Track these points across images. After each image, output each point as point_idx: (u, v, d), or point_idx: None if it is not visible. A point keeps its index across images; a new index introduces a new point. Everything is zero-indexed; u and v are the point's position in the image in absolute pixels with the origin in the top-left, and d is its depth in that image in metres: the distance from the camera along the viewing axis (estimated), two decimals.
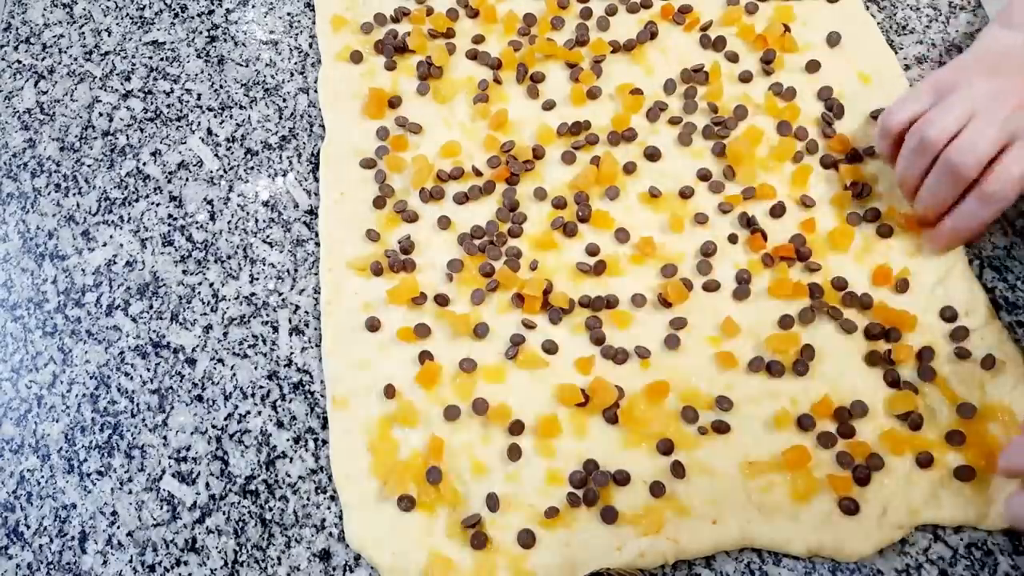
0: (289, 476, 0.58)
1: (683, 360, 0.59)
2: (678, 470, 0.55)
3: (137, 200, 0.67)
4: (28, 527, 0.57)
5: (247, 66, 0.72)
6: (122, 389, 0.60)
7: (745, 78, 0.69)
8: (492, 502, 0.55)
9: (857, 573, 0.54)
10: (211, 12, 0.75)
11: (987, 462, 0.55)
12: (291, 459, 0.58)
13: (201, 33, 0.74)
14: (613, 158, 0.65)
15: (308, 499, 0.57)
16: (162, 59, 0.73)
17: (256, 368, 0.61)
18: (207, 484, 0.58)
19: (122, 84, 0.72)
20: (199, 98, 0.71)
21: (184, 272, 0.64)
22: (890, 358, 0.58)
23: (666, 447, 0.56)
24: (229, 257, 0.65)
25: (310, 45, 0.73)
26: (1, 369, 0.61)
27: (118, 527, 0.57)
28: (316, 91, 0.70)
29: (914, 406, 0.56)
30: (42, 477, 0.58)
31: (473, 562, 0.54)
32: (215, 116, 0.70)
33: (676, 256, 0.63)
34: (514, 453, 0.56)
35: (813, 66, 0.69)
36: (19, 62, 0.73)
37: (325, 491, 0.57)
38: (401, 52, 0.71)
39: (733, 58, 0.70)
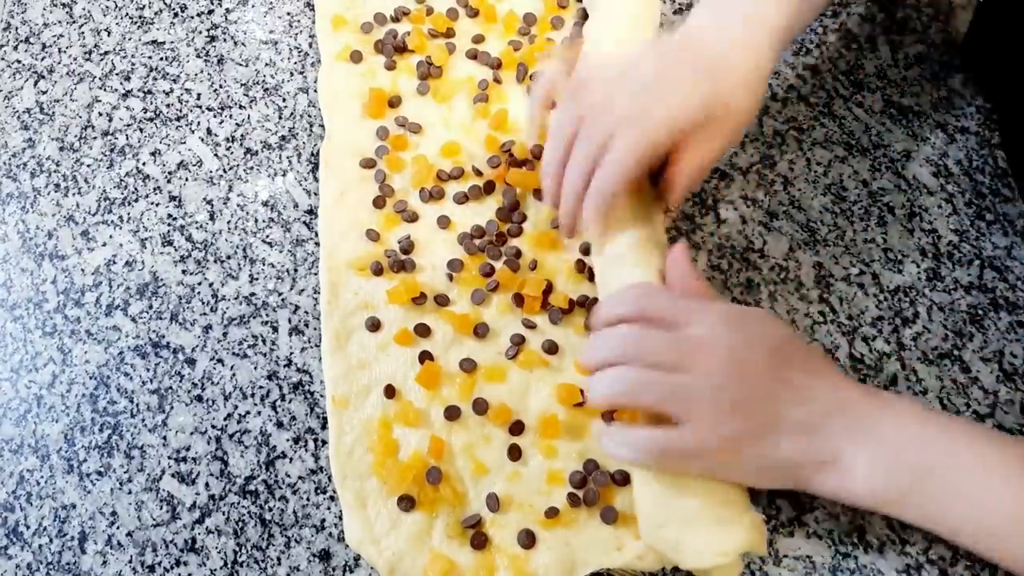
0: (289, 476, 0.57)
1: None
2: None
3: (137, 200, 0.67)
4: (28, 527, 0.57)
5: (247, 66, 0.72)
6: (122, 389, 0.60)
7: None
8: (492, 502, 0.55)
9: (858, 573, 0.54)
10: (211, 12, 0.75)
11: None
12: (291, 459, 0.58)
13: (201, 33, 0.74)
14: None
15: (308, 499, 0.57)
16: (162, 59, 0.73)
17: (256, 368, 0.61)
18: (207, 484, 0.57)
19: (122, 84, 0.72)
20: (199, 98, 0.71)
21: (184, 272, 0.64)
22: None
23: None
24: (229, 257, 0.65)
25: (310, 45, 0.73)
26: (1, 369, 0.61)
27: (118, 527, 0.56)
28: (316, 91, 0.70)
29: None
30: (42, 477, 0.58)
31: (473, 562, 0.53)
32: (215, 116, 0.70)
33: None
34: (514, 453, 0.56)
35: None
36: (19, 62, 0.73)
37: (325, 491, 0.57)
38: (401, 52, 0.71)
39: None
